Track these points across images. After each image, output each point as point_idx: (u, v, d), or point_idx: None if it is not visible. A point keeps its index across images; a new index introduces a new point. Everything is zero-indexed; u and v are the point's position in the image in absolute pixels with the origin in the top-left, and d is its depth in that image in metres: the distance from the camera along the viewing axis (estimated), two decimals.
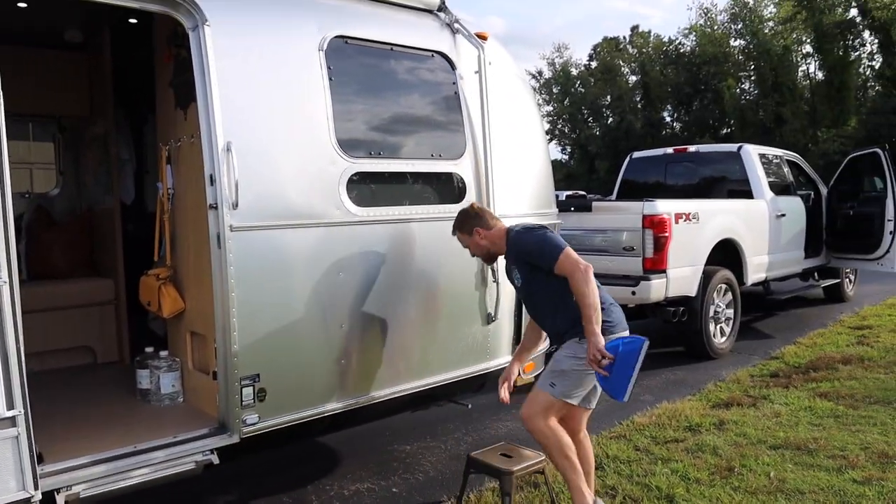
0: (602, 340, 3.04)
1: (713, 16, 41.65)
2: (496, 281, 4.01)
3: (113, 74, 4.52)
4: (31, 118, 4.93)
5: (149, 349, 3.76)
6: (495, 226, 3.46)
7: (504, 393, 3.50)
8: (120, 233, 4.59)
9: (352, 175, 3.40)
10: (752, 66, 38.58)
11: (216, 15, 3.00)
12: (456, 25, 4.03)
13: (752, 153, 8.27)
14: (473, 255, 3.60)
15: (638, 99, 46.39)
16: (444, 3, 4.03)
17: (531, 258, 3.30)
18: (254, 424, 3.10)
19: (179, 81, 3.53)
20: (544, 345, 4.65)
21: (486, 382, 4.19)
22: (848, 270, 9.99)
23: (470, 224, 3.47)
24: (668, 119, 46.23)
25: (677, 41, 45.02)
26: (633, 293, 6.21)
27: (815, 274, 9.34)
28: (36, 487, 2.45)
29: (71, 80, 4.71)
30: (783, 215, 8.10)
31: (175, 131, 3.62)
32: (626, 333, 3.26)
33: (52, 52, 4.62)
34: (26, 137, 5.11)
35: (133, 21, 4.04)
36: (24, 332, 4.27)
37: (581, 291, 3.08)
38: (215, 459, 3.00)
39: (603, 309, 3.16)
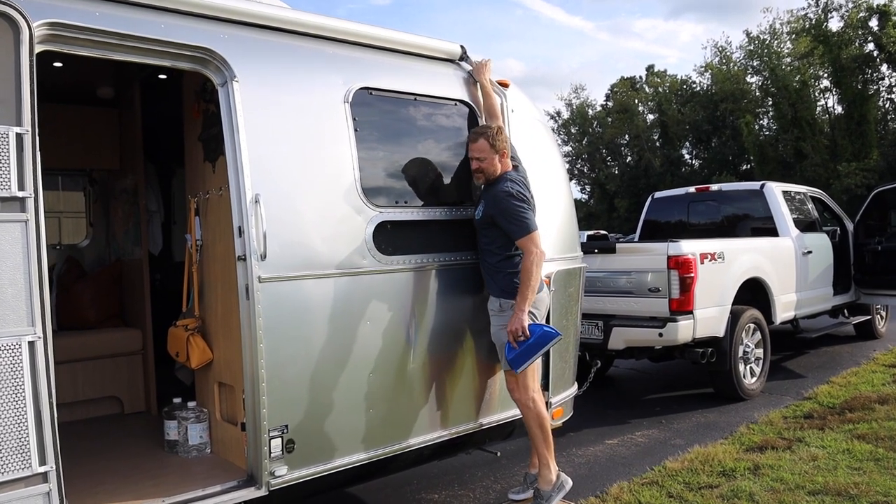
0: (527, 320, 3.56)
1: (728, 53, 41.86)
2: None
3: (142, 128, 4.63)
4: (63, 172, 5.06)
5: (177, 399, 3.77)
6: (508, 158, 3.79)
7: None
8: (148, 283, 4.64)
9: (378, 224, 3.42)
10: (771, 102, 38.55)
11: (244, 70, 3.08)
12: None
13: (776, 191, 8.22)
14: (474, 167, 3.75)
15: (656, 137, 46.47)
16: (465, 52, 4.10)
17: (501, 220, 3.63)
18: (282, 476, 3.07)
19: (208, 136, 3.60)
20: (571, 389, 4.61)
21: (516, 429, 4.14)
22: (879, 307, 9.80)
23: (503, 146, 3.73)
24: (686, 156, 46.19)
25: (692, 80, 45.23)
26: (661, 335, 6.13)
27: (845, 311, 9.19)
28: None
29: (102, 134, 4.83)
30: (810, 252, 8.00)
31: (204, 184, 3.68)
32: (545, 292, 3.81)
33: (84, 109, 4.75)
34: (57, 190, 5.23)
35: (162, 77, 4.16)
36: (54, 384, 4.34)
37: (530, 272, 3.57)
38: None
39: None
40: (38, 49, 2.60)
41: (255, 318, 2.98)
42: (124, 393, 4.63)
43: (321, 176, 3.27)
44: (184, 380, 4.40)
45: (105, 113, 4.82)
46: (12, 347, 2.32)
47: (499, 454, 4.34)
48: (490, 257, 3.76)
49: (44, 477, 2.38)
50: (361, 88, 3.49)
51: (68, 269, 4.93)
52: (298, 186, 3.18)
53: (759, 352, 7.03)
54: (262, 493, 3.03)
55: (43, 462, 2.37)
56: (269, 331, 3.02)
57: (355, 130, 3.40)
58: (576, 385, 4.74)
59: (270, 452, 3.04)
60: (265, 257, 2.99)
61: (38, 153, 2.49)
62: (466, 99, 3.98)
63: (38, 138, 2.49)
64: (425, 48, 3.89)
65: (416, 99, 3.74)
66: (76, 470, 3.40)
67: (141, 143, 4.62)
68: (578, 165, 52.58)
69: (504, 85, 4.19)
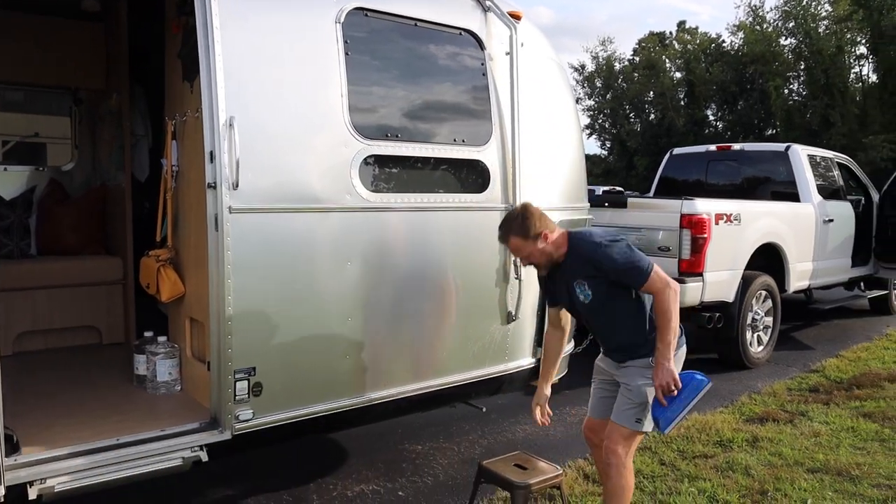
0: (675, 369, 2.85)
1: (762, 13, 40.33)
2: (518, 278, 3.75)
3: (130, 47, 4.35)
4: (47, 89, 4.81)
5: (148, 333, 3.59)
6: (555, 229, 3.02)
7: (541, 417, 3.25)
8: (130, 211, 4.43)
9: (365, 158, 3.17)
10: (803, 67, 37.28)
11: None
12: (487, 3, 3.75)
13: (801, 153, 7.84)
14: (528, 264, 3.14)
15: (681, 96, 45.28)
16: None
17: (617, 275, 2.90)
18: (247, 421, 2.90)
19: (186, 52, 3.32)
20: (568, 347, 4.40)
21: (504, 385, 3.95)
22: None
23: (537, 228, 2.96)
24: (711, 118, 45.06)
25: (722, 39, 43.78)
26: None
27: (862, 284, 8.88)
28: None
29: (86, 51, 4.56)
30: (831, 220, 7.67)
31: (181, 105, 3.42)
32: (684, 350, 3.03)
33: (67, 21, 4.47)
34: (43, 109, 4.99)
35: None
36: (30, 309, 4.18)
37: (669, 312, 2.83)
38: (204, 456, 2.81)
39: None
40: None
41: (224, 251, 2.76)
42: (102, 323, 4.47)
43: (305, 102, 2.99)
44: (167, 312, 4.23)
45: (90, 27, 4.53)
46: None
47: (484, 409, 4.15)
48: (626, 324, 3.01)
49: None
50: (356, 9, 3.18)
51: (50, 192, 4.71)
52: (279, 111, 2.91)
53: (769, 320, 6.79)
54: (226, 437, 2.86)
55: None
56: (239, 266, 2.80)
57: (346, 55, 3.11)
58: (573, 342, 4.53)
59: (235, 395, 2.85)
60: (237, 186, 2.75)
61: None
62: (473, 28, 3.65)
63: None
64: None
65: (416, 25, 3.43)
66: (38, 401, 3.27)
67: (127, 62, 4.35)
68: (600, 120, 51.49)
69: (516, 17, 3.85)
